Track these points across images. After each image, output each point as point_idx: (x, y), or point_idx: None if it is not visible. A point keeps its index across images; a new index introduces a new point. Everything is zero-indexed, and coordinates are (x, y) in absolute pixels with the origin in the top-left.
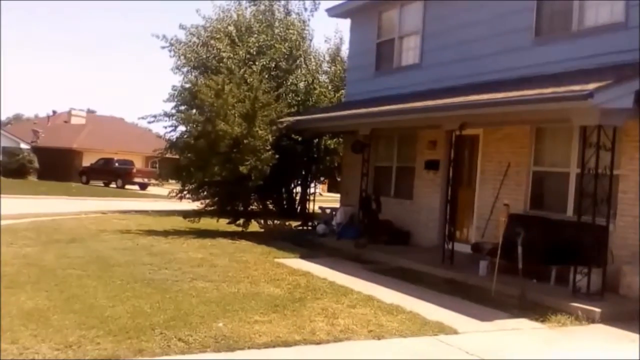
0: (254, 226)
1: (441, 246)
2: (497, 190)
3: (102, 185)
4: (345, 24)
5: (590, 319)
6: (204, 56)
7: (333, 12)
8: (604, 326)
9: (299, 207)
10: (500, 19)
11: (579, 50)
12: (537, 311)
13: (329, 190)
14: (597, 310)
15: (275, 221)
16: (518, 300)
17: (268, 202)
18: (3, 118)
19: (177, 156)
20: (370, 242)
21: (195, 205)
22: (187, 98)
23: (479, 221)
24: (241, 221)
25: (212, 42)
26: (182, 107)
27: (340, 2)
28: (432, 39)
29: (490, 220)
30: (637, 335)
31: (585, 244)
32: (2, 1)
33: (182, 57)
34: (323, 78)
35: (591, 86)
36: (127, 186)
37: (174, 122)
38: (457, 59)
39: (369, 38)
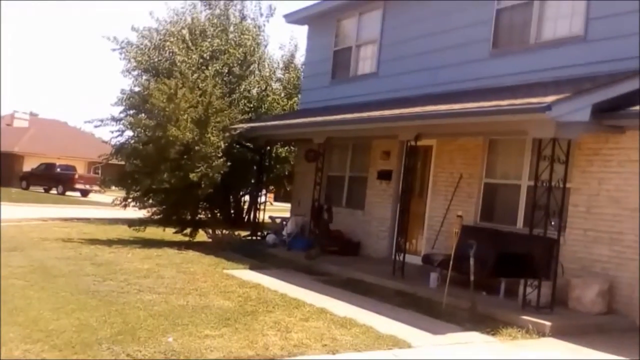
0: (201, 236)
1: (391, 257)
2: (449, 201)
3: (43, 191)
4: (301, 31)
5: (541, 332)
6: (156, 59)
7: (291, 18)
8: (554, 340)
9: (246, 217)
10: (459, 30)
11: (536, 62)
12: (488, 324)
13: (276, 200)
14: (548, 323)
15: (224, 231)
16: (469, 313)
17: (216, 211)
18: None
19: (122, 162)
20: (321, 252)
21: (142, 214)
22: (136, 102)
23: (430, 232)
24: (188, 230)
25: (167, 44)
26: (131, 112)
27: (299, 8)
28: (389, 49)
29: (441, 231)
30: (588, 350)
31: (535, 256)
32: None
33: (132, 60)
34: (276, 85)
35: (549, 99)
36: (68, 193)
37: (122, 126)
38: (415, 69)
39: (326, 46)
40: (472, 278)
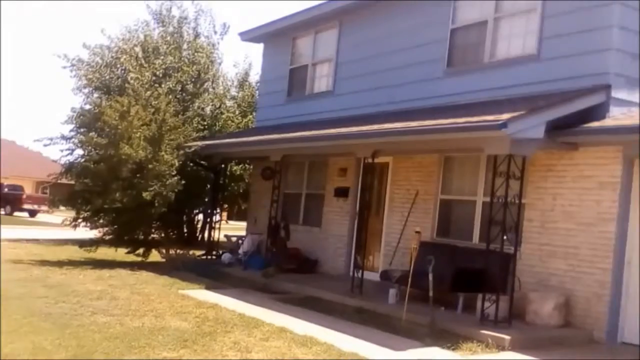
0: (154, 256)
1: (349, 274)
2: (405, 218)
3: None
4: (256, 49)
5: (500, 346)
6: (108, 77)
7: (246, 36)
8: (514, 353)
9: (200, 236)
10: (414, 49)
11: (491, 81)
12: (448, 339)
13: (230, 218)
14: (507, 337)
15: (178, 250)
16: (429, 329)
17: (170, 230)
18: None
19: (71, 182)
20: (278, 271)
21: (93, 234)
22: (88, 120)
23: (387, 249)
24: (141, 251)
25: (121, 60)
26: (82, 130)
27: (254, 27)
28: (345, 67)
29: (398, 247)
30: None
31: (492, 271)
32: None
33: (83, 78)
34: (230, 103)
35: (505, 116)
36: (15, 213)
37: (72, 145)
38: (370, 87)
39: (282, 64)
40: (431, 294)
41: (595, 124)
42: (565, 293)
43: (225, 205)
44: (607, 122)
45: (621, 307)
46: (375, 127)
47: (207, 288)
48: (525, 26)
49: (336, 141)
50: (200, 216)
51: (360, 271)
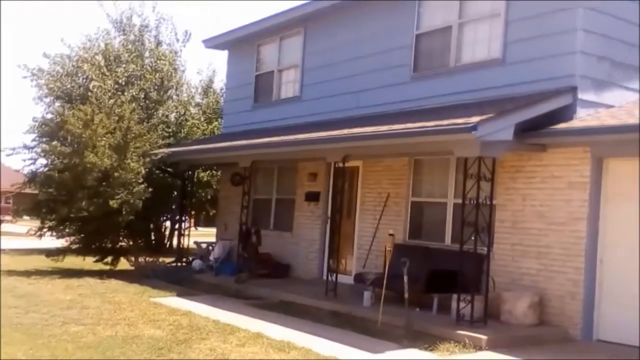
0: (123, 264)
1: (321, 278)
2: (377, 220)
3: None
4: (220, 56)
5: (477, 346)
6: (69, 86)
7: (210, 43)
8: (491, 352)
9: (168, 243)
10: (380, 55)
11: (457, 85)
12: (425, 340)
13: (196, 224)
14: (483, 337)
15: (147, 258)
16: (405, 330)
17: (138, 238)
18: None
19: (35, 191)
20: (250, 276)
21: (59, 243)
22: (50, 129)
23: (360, 252)
24: (109, 259)
25: (82, 70)
26: (44, 139)
27: (218, 34)
28: (312, 73)
29: (371, 250)
30: None
31: (466, 272)
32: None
33: (44, 87)
34: (195, 110)
35: (474, 119)
36: None
37: (34, 154)
38: (338, 92)
39: (247, 70)
40: (406, 295)
41: (562, 126)
42: (538, 292)
43: (193, 212)
44: (575, 123)
45: (595, 305)
46: (346, 131)
47: (179, 295)
48: (490, 31)
49: (306, 146)
50: (168, 223)
51: (335, 274)
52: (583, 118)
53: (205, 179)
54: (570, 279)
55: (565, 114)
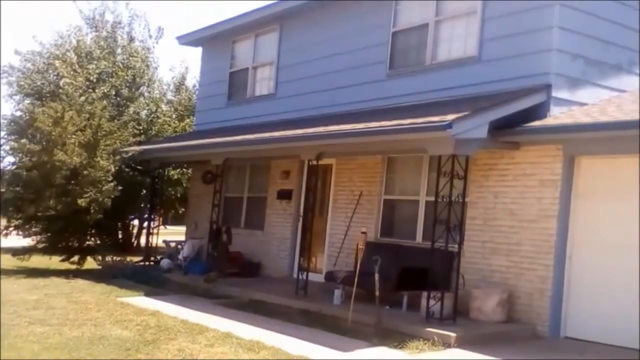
0: (90, 263)
1: (292, 276)
2: (349, 218)
3: None
4: (194, 53)
5: (447, 343)
6: (39, 83)
7: (184, 40)
8: (460, 350)
9: (135, 241)
10: (356, 52)
11: (433, 83)
12: (395, 338)
13: (164, 223)
14: (452, 334)
15: (115, 257)
16: (375, 328)
17: (105, 237)
18: None
19: (2, 189)
20: (220, 275)
21: (26, 242)
22: (19, 127)
23: (331, 250)
24: (76, 258)
25: (55, 64)
26: (13, 137)
27: (192, 30)
28: (287, 70)
29: (342, 248)
30: (493, 358)
31: (437, 269)
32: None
33: (15, 85)
34: (167, 107)
35: (449, 117)
36: None
37: (2, 152)
38: (313, 90)
39: (221, 67)
40: (377, 293)
41: (536, 123)
42: (508, 289)
43: (162, 210)
44: (548, 121)
45: (563, 302)
46: (321, 129)
47: (147, 295)
48: (466, 28)
49: (281, 144)
50: (136, 221)
51: (305, 273)
52: (557, 116)
53: (175, 176)
54: (540, 276)
55: (539, 111)
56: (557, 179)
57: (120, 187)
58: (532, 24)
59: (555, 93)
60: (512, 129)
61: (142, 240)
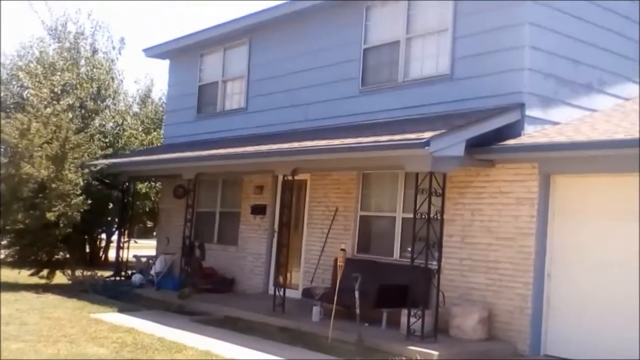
0: (59, 277)
1: (267, 292)
2: (325, 234)
3: None
4: (160, 66)
5: None
6: (3, 95)
7: (151, 52)
8: None
9: (103, 256)
10: (328, 68)
11: (406, 100)
12: (377, 356)
13: (130, 236)
14: (435, 352)
15: (85, 272)
16: (356, 347)
17: (74, 251)
18: None
19: None
20: (194, 291)
21: None
22: None
23: (307, 266)
24: (45, 272)
25: (19, 75)
26: None
27: (159, 43)
28: (258, 84)
29: (319, 265)
30: None
31: (416, 286)
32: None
33: None
34: (132, 120)
35: (427, 135)
36: None
37: None
38: (285, 105)
39: (190, 80)
40: (357, 310)
41: (512, 142)
42: (487, 307)
43: (129, 225)
44: (524, 139)
45: (543, 320)
46: (296, 144)
47: (120, 311)
48: (438, 46)
49: (255, 159)
50: (104, 235)
51: (283, 289)
52: (531, 134)
53: (143, 190)
54: (519, 294)
55: (513, 130)
56: (533, 197)
57: (89, 201)
58: (504, 43)
59: (528, 112)
60: (488, 147)
61: (110, 255)
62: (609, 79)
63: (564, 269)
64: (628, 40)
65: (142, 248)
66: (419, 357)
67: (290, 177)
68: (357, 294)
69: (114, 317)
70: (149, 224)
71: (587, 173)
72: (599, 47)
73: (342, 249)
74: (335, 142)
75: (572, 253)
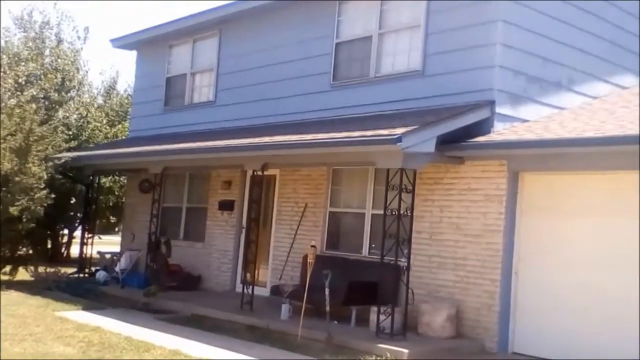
0: (21, 274)
1: (234, 290)
2: (294, 231)
3: None
4: (127, 57)
5: (399, 359)
6: None
7: (118, 43)
8: None
9: (65, 252)
10: (299, 62)
11: (377, 95)
12: (347, 354)
13: (91, 231)
14: (405, 351)
15: (48, 268)
16: (326, 344)
17: (37, 247)
18: None
19: None
20: (160, 289)
21: None
22: None
23: (276, 263)
24: (7, 269)
25: None
26: None
27: (127, 33)
28: (227, 77)
29: (287, 262)
30: None
31: (386, 283)
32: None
33: None
34: (97, 112)
35: (399, 130)
36: None
37: None
38: (255, 98)
39: (158, 72)
40: (327, 308)
41: (482, 139)
42: (455, 304)
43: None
44: (493, 136)
45: (510, 318)
46: (267, 139)
47: (85, 309)
48: (410, 42)
49: (225, 153)
50: (66, 231)
51: (251, 286)
52: (500, 132)
53: (107, 184)
54: (487, 291)
55: (483, 127)
56: (502, 194)
57: (53, 196)
58: (476, 40)
59: (498, 109)
60: (458, 144)
61: (72, 251)
62: (577, 78)
63: (531, 267)
64: (598, 38)
65: (106, 244)
66: (389, 355)
67: (259, 172)
68: (327, 291)
69: (79, 315)
70: (112, 219)
71: (556, 171)
72: (568, 45)
73: (312, 246)
74: (308, 137)
75: (539, 251)
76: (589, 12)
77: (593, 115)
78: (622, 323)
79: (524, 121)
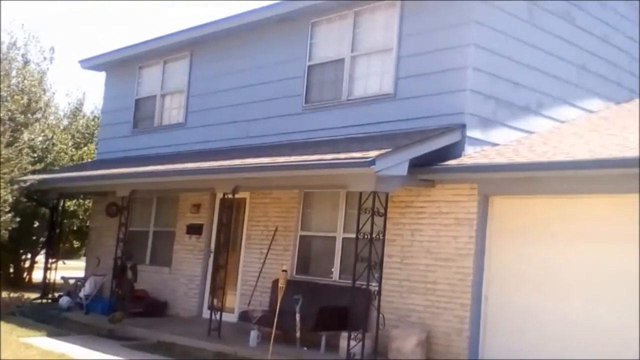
0: None
1: (201, 316)
2: (264, 255)
3: None
4: (96, 78)
5: None
6: None
7: (87, 64)
8: None
9: (27, 277)
10: (271, 84)
11: (349, 118)
12: None
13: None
14: None
15: (11, 294)
16: None
17: (0, 271)
18: None
19: None
20: (125, 315)
21: None
22: None
23: (245, 288)
24: None
25: None
26: None
27: (96, 54)
28: (198, 99)
29: (256, 287)
30: None
31: (357, 308)
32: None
33: None
34: (62, 135)
35: (372, 154)
36: None
37: None
38: (226, 121)
39: (127, 94)
40: (298, 334)
41: (453, 162)
42: (426, 329)
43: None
44: (464, 160)
45: (480, 342)
46: (238, 162)
47: (50, 335)
48: (382, 65)
49: (195, 176)
50: (28, 255)
51: (219, 313)
52: (471, 155)
53: (71, 208)
54: (457, 316)
55: (454, 150)
56: (472, 218)
57: (18, 219)
58: (447, 64)
59: (469, 132)
60: (429, 167)
61: (35, 276)
62: (546, 102)
63: (501, 291)
64: (567, 63)
65: (70, 269)
66: None
67: (230, 195)
68: (297, 317)
69: (43, 342)
70: (76, 243)
71: (526, 194)
72: (538, 70)
73: (283, 270)
74: (280, 159)
75: (510, 275)
76: (559, 36)
77: (562, 139)
78: (594, 347)
79: (494, 145)
